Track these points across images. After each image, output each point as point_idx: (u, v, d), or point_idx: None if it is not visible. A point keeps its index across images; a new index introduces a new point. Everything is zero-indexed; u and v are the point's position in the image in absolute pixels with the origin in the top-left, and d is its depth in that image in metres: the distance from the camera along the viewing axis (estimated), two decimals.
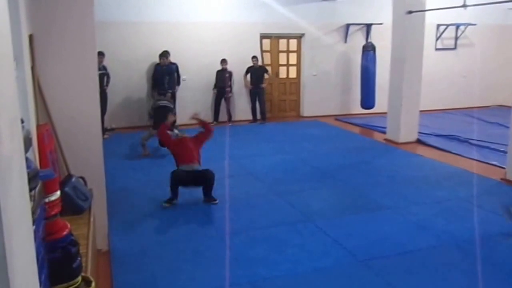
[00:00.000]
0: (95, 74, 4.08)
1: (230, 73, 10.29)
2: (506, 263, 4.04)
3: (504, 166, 6.52)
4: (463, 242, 4.41)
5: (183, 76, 10.11)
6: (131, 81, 9.88)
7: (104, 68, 8.92)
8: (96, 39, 4.01)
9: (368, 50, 10.73)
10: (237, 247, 4.32)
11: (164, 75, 9.61)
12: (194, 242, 4.46)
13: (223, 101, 10.42)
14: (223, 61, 10.14)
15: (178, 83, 9.99)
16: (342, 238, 4.51)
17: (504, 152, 6.82)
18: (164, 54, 9.59)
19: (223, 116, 10.46)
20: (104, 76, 8.86)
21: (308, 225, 4.86)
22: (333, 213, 5.22)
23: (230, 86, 10.34)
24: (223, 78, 10.20)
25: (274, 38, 11.13)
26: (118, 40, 9.59)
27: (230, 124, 10.24)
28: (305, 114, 11.46)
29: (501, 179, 6.37)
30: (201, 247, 4.34)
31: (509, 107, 6.43)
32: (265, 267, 3.98)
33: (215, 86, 10.35)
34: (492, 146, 7.98)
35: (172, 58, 9.79)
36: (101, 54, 8.38)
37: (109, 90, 9.18)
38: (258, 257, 4.16)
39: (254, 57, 10.47)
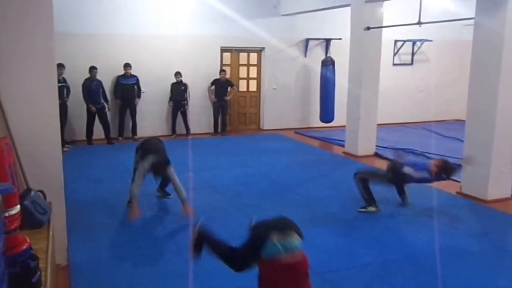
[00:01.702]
0: (54, 86, 3.98)
1: (185, 86, 10.17)
2: (460, 276, 4.07)
3: (459, 180, 6.65)
4: (420, 255, 4.43)
5: (142, 88, 9.95)
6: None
7: (64, 80, 8.68)
8: (55, 51, 3.91)
9: (327, 65, 10.86)
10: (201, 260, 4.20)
11: (124, 87, 9.62)
12: (154, 256, 4.37)
13: (179, 114, 10.30)
14: (178, 74, 10.04)
15: (139, 95, 9.85)
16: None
17: (460, 166, 6.96)
18: (126, 66, 9.61)
19: (180, 129, 10.33)
20: (64, 88, 8.61)
21: None
22: None
23: (186, 99, 10.21)
24: (178, 91, 10.09)
25: (235, 51, 11.12)
26: (78, 51, 9.36)
27: (189, 137, 10.10)
28: (265, 127, 11.45)
29: (457, 192, 6.50)
30: (161, 261, 4.26)
31: (464, 121, 6.59)
32: (224, 280, 3.87)
33: (171, 99, 10.22)
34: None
35: (132, 71, 9.68)
36: (61, 66, 8.19)
37: (69, 102, 8.95)
38: (217, 270, 4.02)
39: (222, 71, 10.48)
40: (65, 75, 8.70)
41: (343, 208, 5.83)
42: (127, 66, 9.62)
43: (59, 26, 4.65)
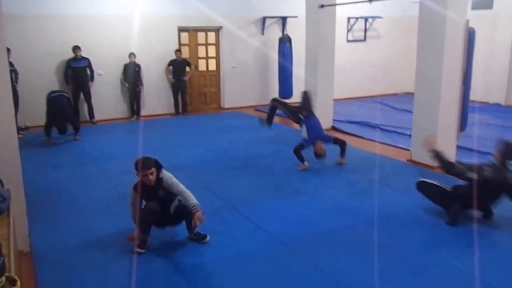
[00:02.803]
0: (6, 71, 3.94)
1: (139, 66, 10.12)
2: (411, 236, 4.48)
3: (409, 148, 7.12)
4: (375, 219, 4.80)
5: (99, 71, 9.87)
6: (42, 77, 9.42)
7: (11, 64, 8.43)
8: (5, 34, 3.86)
9: (284, 42, 11.08)
10: (163, 238, 4.39)
11: (76, 71, 9.47)
12: (119, 238, 4.44)
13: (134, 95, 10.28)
14: (132, 55, 9.95)
15: (92, 78, 9.73)
16: (264, 222, 4.74)
17: (410, 135, 7.43)
18: (76, 49, 9.41)
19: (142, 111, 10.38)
20: (12, 73, 8.36)
21: (232, 212, 5.04)
22: (255, 200, 5.43)
23: (140, 80, 10.19)
24: (132, 72, 10.02)
25: (192, 31, 11.13)
26: (25, 35, 9.13)
27: (140, 118, 10.19)
28: (226, 106, 11.62)
29: (407, 160, 6.96)
30: (127, 242, 4.34)
31: (414, 93, 7.02)
32: (191, 255, 4.11)
33: (125, 80, 10.13)
34: (399, 130, 8.65)
35: (87, 53, 9.55)
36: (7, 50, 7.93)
37: (19, 87, 8.70)
38: (184, 246, 4.27)
39: (177, 51, 10.49)
40: (11, 59, 8.46)
41: (303, 179, 6.15)
42: (76, 48, 9.38)
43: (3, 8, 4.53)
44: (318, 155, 6.61)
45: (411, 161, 6.89)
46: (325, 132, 7.13)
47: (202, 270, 3.86)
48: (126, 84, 10.16)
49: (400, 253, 4.10)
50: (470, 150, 7.13)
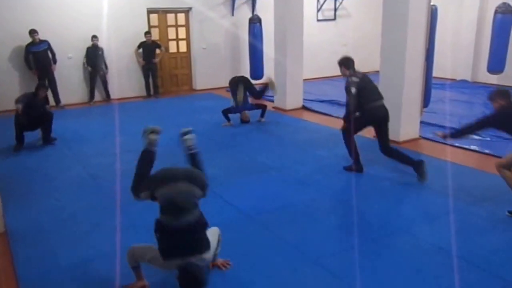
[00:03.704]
0: None
1: (102, 50, 9.99)
2: (374, 206, 4.69)
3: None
4: (340, 193, 5.00)
5: (69, 54, 9.76)
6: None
7: None
8: None
9: (254, 23, 11.10)
10: (134, 215, 4.49)
11: (37, 55, 9.28)
12: (91, 215, 4.56)
13: (99, 79, 10.19)
14: (94, 37, 9.80)
15: (54, 61, 9.56)
16: (233, 198, 4.89)
17: None
18: (33, 32, 9.16)
19: (102, 95, 10.34)
20: None
21: None
22: (225, 177, 5.55)
23: (104, 63, 10.09)
24: (95, 55, 9.90)
25: (162, 12, 11.04)
26: None
27: (110, 101, 10.18)
28: (198, 88, 11.64)
29: (373, 136, 7.14)
30: (98, 219, 4.46)
31: None
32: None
33: (88, 63, 9.98)
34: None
35: (53, 36, 9.39)
36: None
37: None
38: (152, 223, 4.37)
39: (147, 33, 10.40)
40: None
41: (271, 157, 6.30)
42: (33, 32, 9.12)
43: None
44: (244, 121, 8.16)
45: (376, 137, 7.08)
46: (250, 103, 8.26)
47: None
48: (89, 68, 10.02)
49: (361, 223, 4.29)
50: (433, 125, 7.37)
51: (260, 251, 3.82)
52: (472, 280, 3.35)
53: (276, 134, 7.47)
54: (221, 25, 11.56)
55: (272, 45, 9.58)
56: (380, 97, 5.53)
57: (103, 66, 10.07)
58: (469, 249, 3.78)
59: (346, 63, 5.53)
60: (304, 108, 9.24)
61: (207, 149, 6.74)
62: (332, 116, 8.58)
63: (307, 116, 8.66)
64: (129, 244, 3.48)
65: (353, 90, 5.25)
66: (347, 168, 5.67)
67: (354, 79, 5.34)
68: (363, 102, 5.33)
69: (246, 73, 11.61)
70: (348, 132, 5.51)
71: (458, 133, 5.01)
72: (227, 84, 11.79)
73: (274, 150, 6.59)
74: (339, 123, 7.99)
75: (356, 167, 5.60)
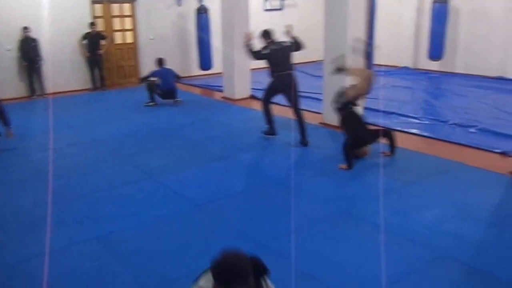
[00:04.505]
0: None
1: (36, 41, 9.57)
2: (317, 189, 4.85)
3: (321, 112, 7.52)
4: (285, 179, 5.12)
5: (7, 46, 9.35)
6: None
7: None
8: None
9: (202, 13, 11.02)
10: (85, 208, 4.49)
11: None
12: (40, 208, 4.45)
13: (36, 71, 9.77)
14: (25, 29, 9.38)
15: None
16: (181, 188, 4.92)
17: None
18: None
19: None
20: None
21: (150, 181, 5.16)
22: (174, 168, 5.56)
23: (39, 55, 9.68)
24: (29, 47, 9.50)
25: (106, 2, 10.75)
26: None
27: (45, 95, 9.77)
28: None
29: (319, 123, 7.36)
30: (43, 214, 4.35)
31: None
32: (112, 222, 4.22)
33: (22, 57, 9.54)
34: (314, 96, 9.05)
35: None
36: None
37: None
38: (105, 215, 4.38)
39: (92, 24, 10.11)
40: None
41: (219, 146, 6.36)
42: None
43: None
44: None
45: (323, 123, 7.30)
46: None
47: (121, 236, 3.97)
48: (24, 62, 9.57)
49: (306, 205, 4.45)
50: (377, 110, 7.65)
51: (208, 239, 3.87)
52: (411, 255, 3.56)
53: (224, 124, 7.52)
54: (168, 15, 11.40)
55: (220, 35, 9.58)
56: (287, 68, 6.44)
57: (38, 58, 9.67)
58: (408, 226, 4.00)
59: (263, 35, 6.60)
60: (253, 97, 9.32)
61: (154, 140, 6.75)
62: (279, 104, 8.69)
63: (255, 105, 8.73)
64: (75, 239, 3.46)
65: (265, 51, 6.33)
66: (266, 133, 6.54)
67: (271, 46, 6.40)
68: (272, 70, 6.36)
69: (195, 64, 11.59)
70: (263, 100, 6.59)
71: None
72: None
73: (222, 140, 6.64)
74: (287, 112, 8.19)
75: (270, 131, 6.49)
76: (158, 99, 8.95)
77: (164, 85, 8.86)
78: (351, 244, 3.75)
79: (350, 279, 3.29)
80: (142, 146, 6.47)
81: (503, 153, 5.61)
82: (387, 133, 5.65)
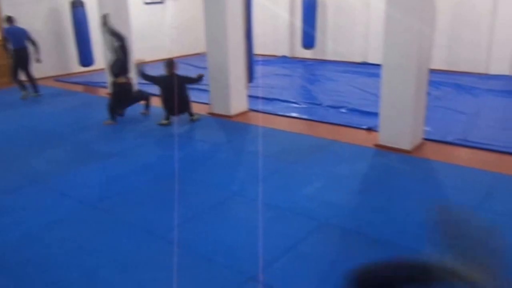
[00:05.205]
0: None
1: None
2: (208, 176, 5.09)
3: (208, 102, 7.77)
4: (179, 169, 5.27)
5: None
6: None
7: None
8: None
9: (77, 6, 10.58)
10: None
11: None
12: None
13: None
14: None
15: None
16: (72, 189, 4.82)
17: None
18: None
19: None
20: None
21: (35, 186, 4.96)
22: (61, 170, 5.40)
23: None
24: None
25: None
26: None
27: None
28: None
29: (207, 112, 7.60)
30: None
31: None
32: None
33: None
34: (202, 87, 9.23)
35: None
36: None
37: None
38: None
39: None
40: None
41: (111, 144, 6.30)
42: None
43: None
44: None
45: (211, 113, 7.56)
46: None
47: (6, 248, 3.79)
48: None
49: (200, 192, 4.67)
50: (259, 98, 8.10)
51: (105, 237, 3.88)
52: (296, 226, 3.98)
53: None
54: (40, 10, 10.75)
55: (97, 29, 9.31)
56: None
57: None
58: (293, 200, 4.43)
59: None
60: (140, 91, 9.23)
61: (37, 144, 6.45)
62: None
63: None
64: None
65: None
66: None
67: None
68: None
69: (75, 60, 11.11)
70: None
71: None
72: (55, 73, 11.19)
73: (112, 137, 6.58)
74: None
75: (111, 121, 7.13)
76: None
77: (15, 44, 8.72)
78: (243, 224, 4.04)
79: (245, 256, 3.53)
80: (25, 150, 6.15)
81: (369, 129, 6.37)
82: (145, 96, 7.68)
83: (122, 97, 7.22)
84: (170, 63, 7.03)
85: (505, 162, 5.21)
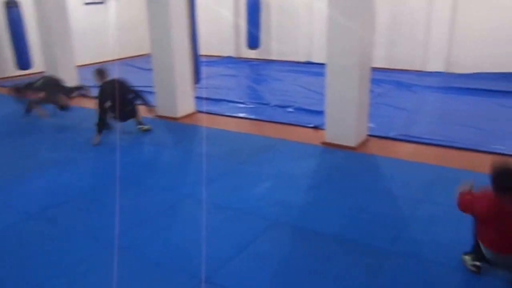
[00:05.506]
0: None
1: None
2: (159, 180, 5.01)
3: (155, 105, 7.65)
4: (124, 175, 5.16)
5: None
6: None
7: None
8: None
9: (12, 7, 10.06)
10: None
11: None
12: None
13: None
14: None
15: None
16: (11, 199, 4.64)
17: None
18: None
19: None
20: None
21: None
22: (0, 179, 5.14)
23: None
24: None
25: None
26: None
27: None
28: None
29: (155, 115, 7.46)
30: None
31: None
32: None
33: None
34: (148, 89, 9.07)
35: None
36: None
37: None
38: None
39: None
40: None
41: (53, 150, 6.06)
42: None
43: None
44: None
45: (158, 116, 7.43)
46: None
47: None
48: None
49: (150, 196, 4.60)
50: (206, 99, 8.07)
51: (50, 248, 3.75)
52: (248, 226, 4.00)
53: (57, 126, 7.14)
54: None
55: (37, 31, 8.94)
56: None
57: None
58: (243, 201, 4.45)
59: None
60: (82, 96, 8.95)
61: None
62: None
63: (84, 103, 8.45)
64: None
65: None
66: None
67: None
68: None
69: (10, 63, 10.59)
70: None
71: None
72: None
73: (56, 142, 6.32)
74: None
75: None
76: None
77: None
78: (194, 227, 4.00)
79: (198, 259, 3.50)
80: None
81: (315, 127, 6.51)
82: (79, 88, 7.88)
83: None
84: (101, 71, 6.58)
85: (445, 155, 5.49)
